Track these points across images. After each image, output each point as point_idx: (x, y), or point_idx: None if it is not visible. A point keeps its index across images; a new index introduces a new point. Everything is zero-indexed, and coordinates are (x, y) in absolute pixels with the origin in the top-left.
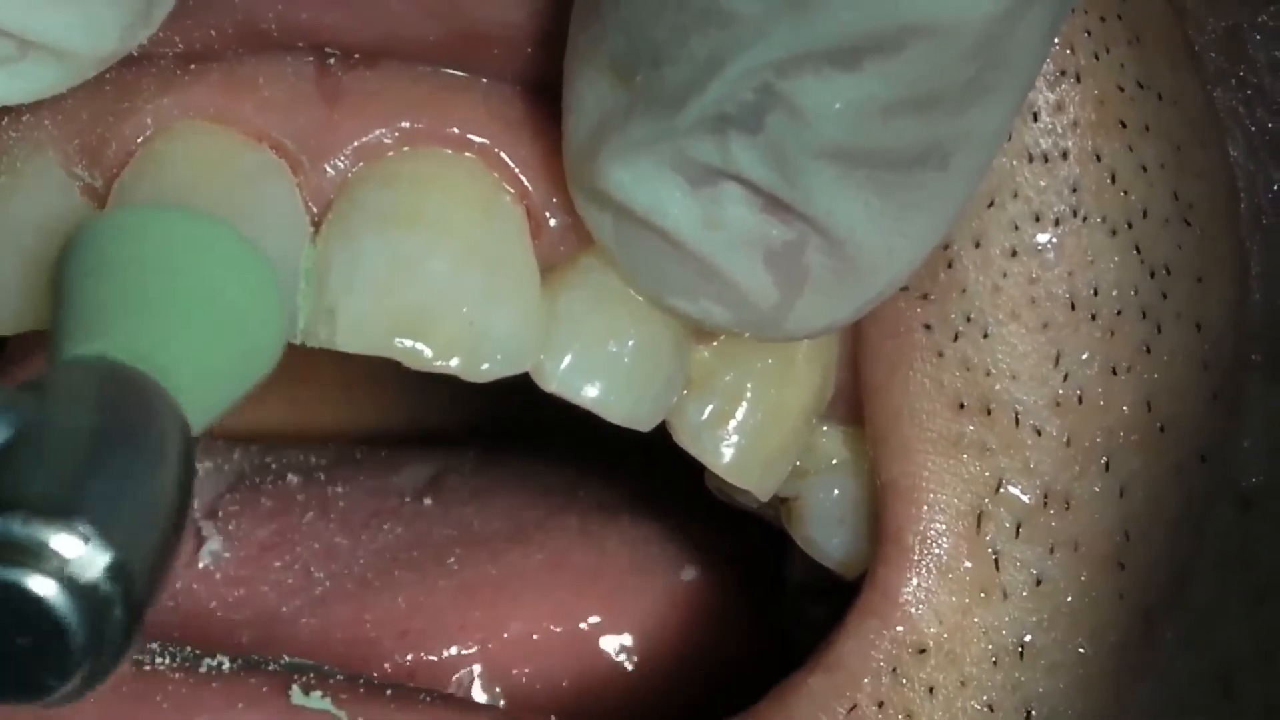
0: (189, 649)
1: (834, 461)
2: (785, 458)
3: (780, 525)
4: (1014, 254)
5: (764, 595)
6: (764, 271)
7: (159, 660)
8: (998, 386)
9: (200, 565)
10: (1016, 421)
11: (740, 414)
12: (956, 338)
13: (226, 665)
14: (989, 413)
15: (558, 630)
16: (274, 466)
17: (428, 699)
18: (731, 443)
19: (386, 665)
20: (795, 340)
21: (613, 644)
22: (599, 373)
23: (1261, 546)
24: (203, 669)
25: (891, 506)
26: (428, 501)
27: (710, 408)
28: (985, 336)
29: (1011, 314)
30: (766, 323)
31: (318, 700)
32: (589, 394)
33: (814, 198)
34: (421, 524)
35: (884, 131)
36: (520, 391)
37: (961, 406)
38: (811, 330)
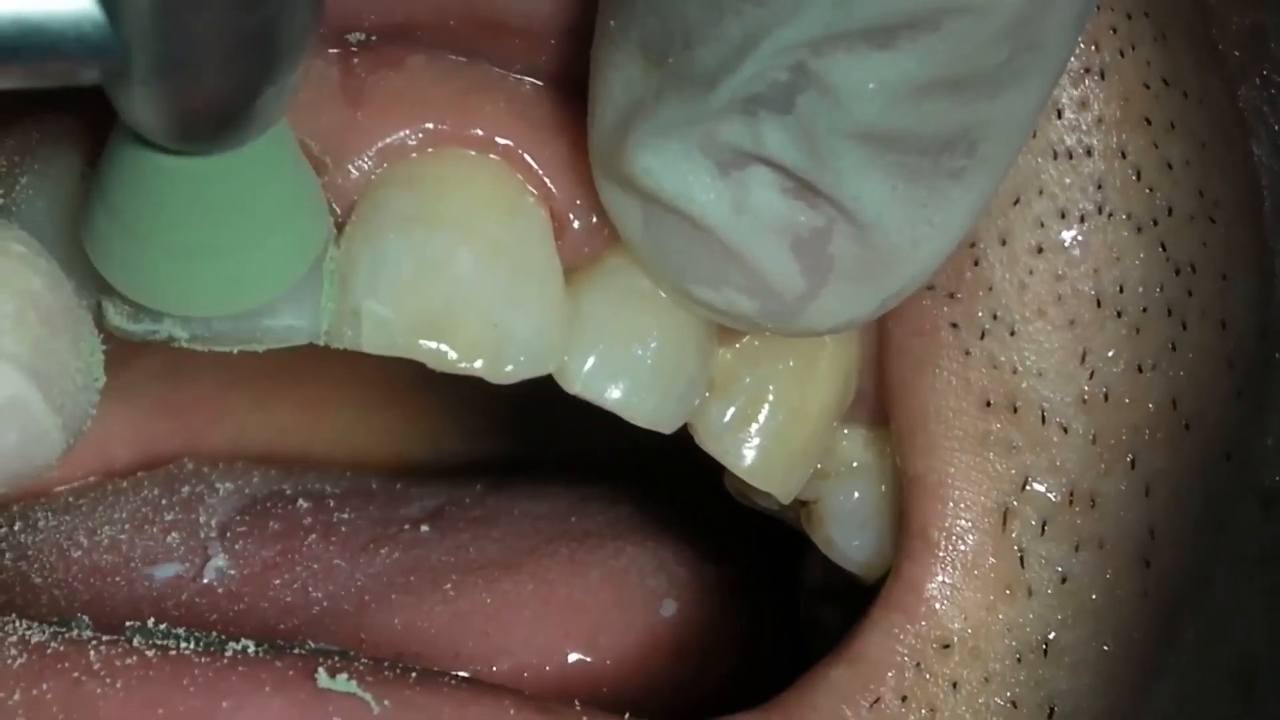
0: (214, 634)
1: (854, 464)
2: (807, 460)
3: (800, 528)
4: (1040, 251)
5: (747, 626)
6: (790, 259)
7: (184, 645)
8: (1024, 384)
9: (204, 581)
10: (1043, 419)
11: (762, 416)
12: (983, 335)
13: (252, 649)
14: (1015, 410)
15: (547, 669)
16: (288, 491)
17: (452, 682)
18: (753, 445)
19: None
20: (817, 335)
21: (596, 682)
22: (622, 374)
23: None
24: (228, 653)
25: (917, 502)
26: (425, 529)
27: (732, 410)
28: (1012, 334)
29: (1038, 311)
30: (789, 313)
31: (344, 683)
32: (612, 396)
33: (843, 181)
34: (420, 550)
35: (916, 114)
36: (533, 419)
37: (988, 404)
38: (834, 324)
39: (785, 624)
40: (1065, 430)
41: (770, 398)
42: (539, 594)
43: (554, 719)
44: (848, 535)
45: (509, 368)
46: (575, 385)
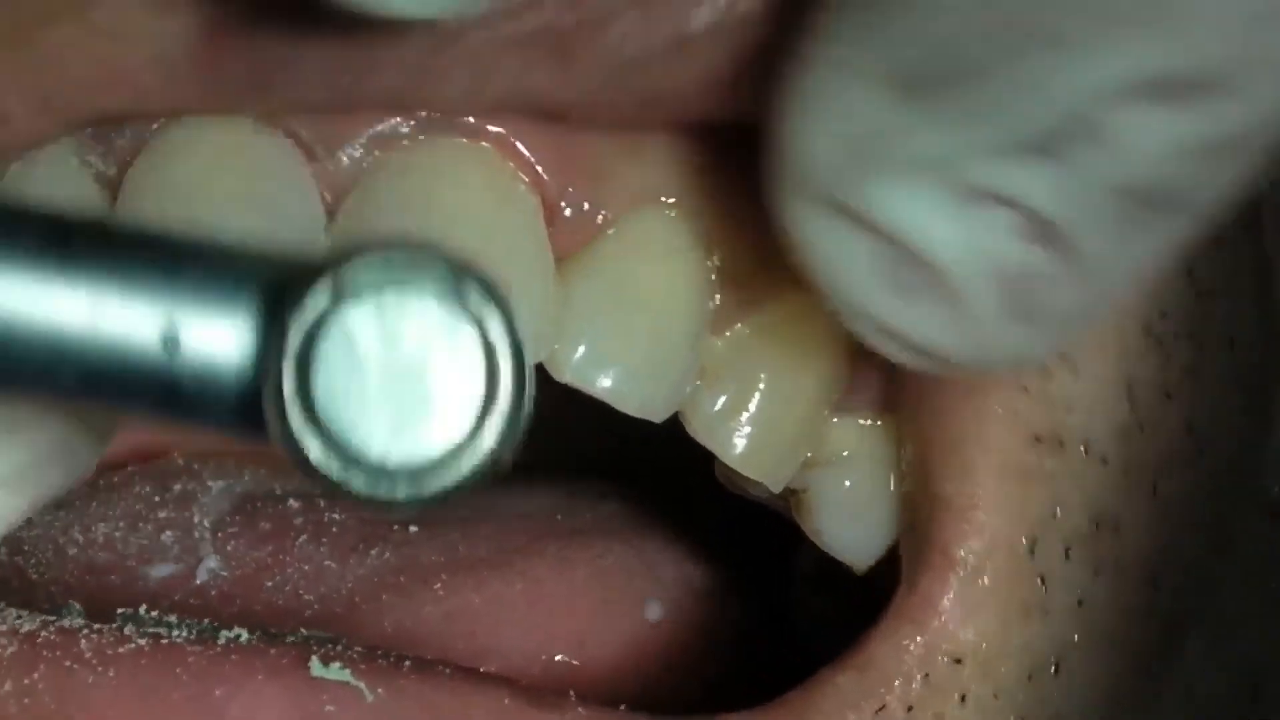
0: (207, 621)
1: (846, 454)
2: (797, 449)
3: (791, 517)
4: None
5: (734, 627)
6: (998, 298)
7: (176, 633)
8: (1075, 420)
9: (197, 581)
10: (1086, 452)
11: (753, 405)
12: (1049, 379)
13: (245, 638)
14: (1062, 444)
15: (534, 670)
16: (278, 490)
17: (447, 671)
18: (744, 434)
19: None
20: (983, 373)
21: (583, 683)
22: (613, 363)
23: None
24: (221, 641)
25: (942, 521)
26: (414, 529)
27: (724, 399)
28: (1075, 372)
29: (1100, 346)
30: (976, 349)
31: (337, 671)
32: (603, 384)
33: (1096, 233)
34: (409, 549)
35: (1192, 173)
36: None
37: (1037, 439)
38: (1010, 364)
39: (773, 626)
40: (1105, 462)
41: (761, 386)
42: (527, 594)
43: (547, 709)
44: (838, 524)
45: None
46: (566, 374)
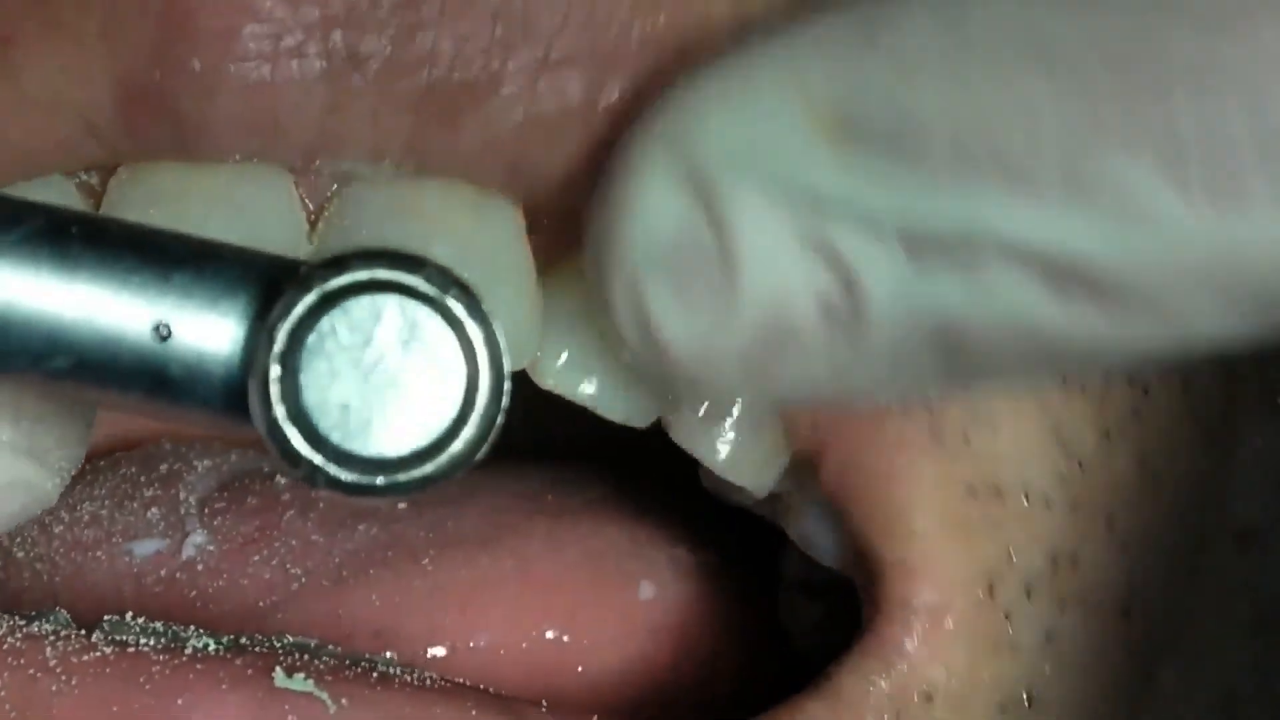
0: (175, 629)
1: None
2: (780, 454)
3: (775, 521)
4: None
5: (725, 610)
6: (759, 329)
7: (143, 642)
8: (1008, 471)
9: (184, 557)
10: (1026, 499)
11: (735, 411)
12: (968, 440)
13: (212, 647)
14: (999, 494)
15: (524, 646)
16: (266, 469)
17: (412, 682)
18: (727, 440)
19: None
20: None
21: (572, 661)
22: (595, 370)
23: (1260, 578)
24: (188, 650)
25: (896, 581)
26: (402, 505)
27: (706, 405)
28: (994, 430)
29: (1012, 403)
30: (695, 348)
31: (300, 682)
32: (585, 391)
33: (889, 348)
34: (397, 525)
35: (1021, 357)
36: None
37: (972, 492)
38: (706, 382)
39: (764, 610)
40: (1048, 505)
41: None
42: (517, 571)
43: (514, 717)
44: (823, 530)
45: None
46: (548, 381)
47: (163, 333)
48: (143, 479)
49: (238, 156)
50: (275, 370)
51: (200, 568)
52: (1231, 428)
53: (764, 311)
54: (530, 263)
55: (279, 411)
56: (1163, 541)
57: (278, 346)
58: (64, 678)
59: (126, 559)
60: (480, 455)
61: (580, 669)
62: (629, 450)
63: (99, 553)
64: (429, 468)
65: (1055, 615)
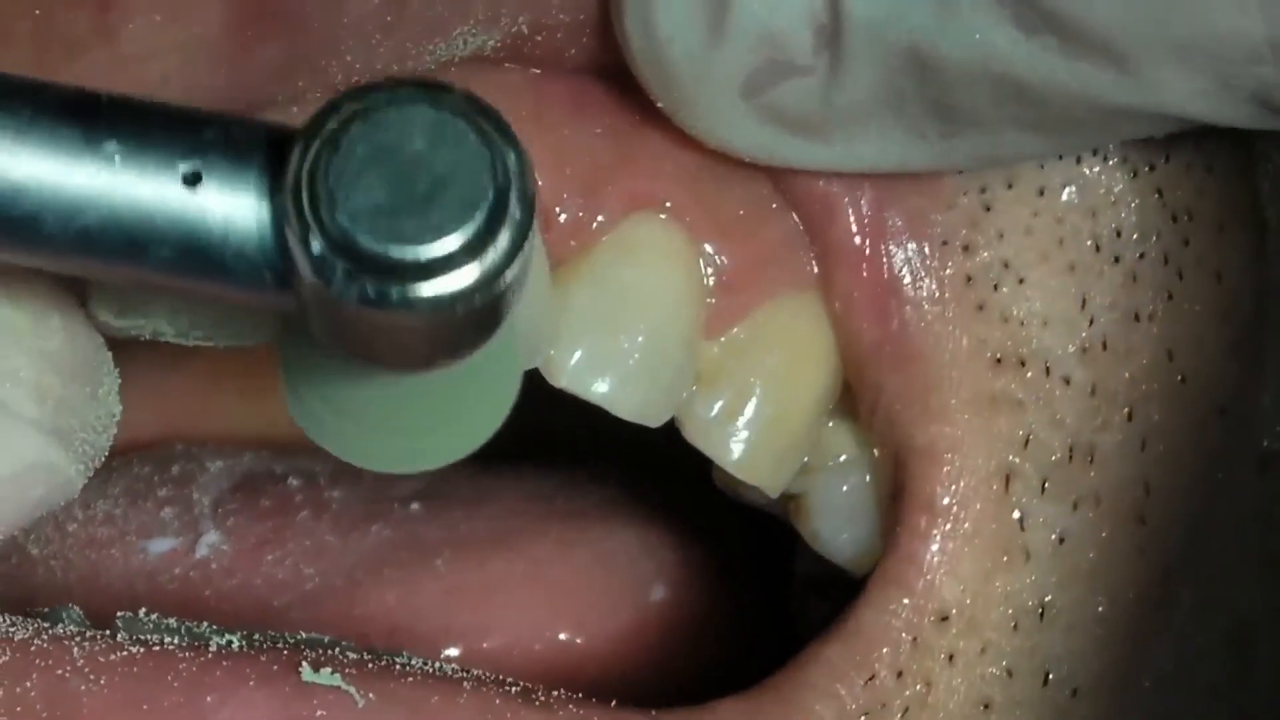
0: (190, 625)
1: (843, 458)
2: (794, 454)
3: (787, 521)
4: (1041, 193)
5: (735, 611)
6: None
7: (168, 640)
8: (1032, 336)
9: (198, 556)
10: (1047, 372)
11: (749, 410)
12: (996, 287)
13: (236, 644)
14: (1023, 364)
15: (536, 647)
16: (278, 471)
17: (436, 674)
18: (741, 439)
19: None
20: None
21: (584, 663)
22: (609, 368)
23: (1276, 508)
24: (212, 648)
25: (923, 474)
26: (415, 507)
27: (719, 404)
28: (1021, 282)
29: (1042, 255)
30: (684, 62)
31: (328, 676)
32: (599, 390)
33: (866, 80)
34: (411, 526)
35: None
36: (520, 402)
37: (998, 361)
38: (703, 100)
39: (773, 610)
40: (1067, 382)
41: (758, 391)
42: (529, 573)
43: (540, 710)
44: (835, 529)
45: None
46: (562, 379)
47: (191, 180)
48: (156, 479)
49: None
50: (306, 178)
51: (214, 566)
52: (1259, 342)
53: (758, 18)
54: (545, 259)
55: (310, 218)
56: (1183, 447)
57: (310, 156)
58: (92, 677)
59: (141, 556)
60: (509, 274)
61: (592, 670)
62: (639, 450)
63: (113, 550)
64: (461, 278)
65: (1068, 514)
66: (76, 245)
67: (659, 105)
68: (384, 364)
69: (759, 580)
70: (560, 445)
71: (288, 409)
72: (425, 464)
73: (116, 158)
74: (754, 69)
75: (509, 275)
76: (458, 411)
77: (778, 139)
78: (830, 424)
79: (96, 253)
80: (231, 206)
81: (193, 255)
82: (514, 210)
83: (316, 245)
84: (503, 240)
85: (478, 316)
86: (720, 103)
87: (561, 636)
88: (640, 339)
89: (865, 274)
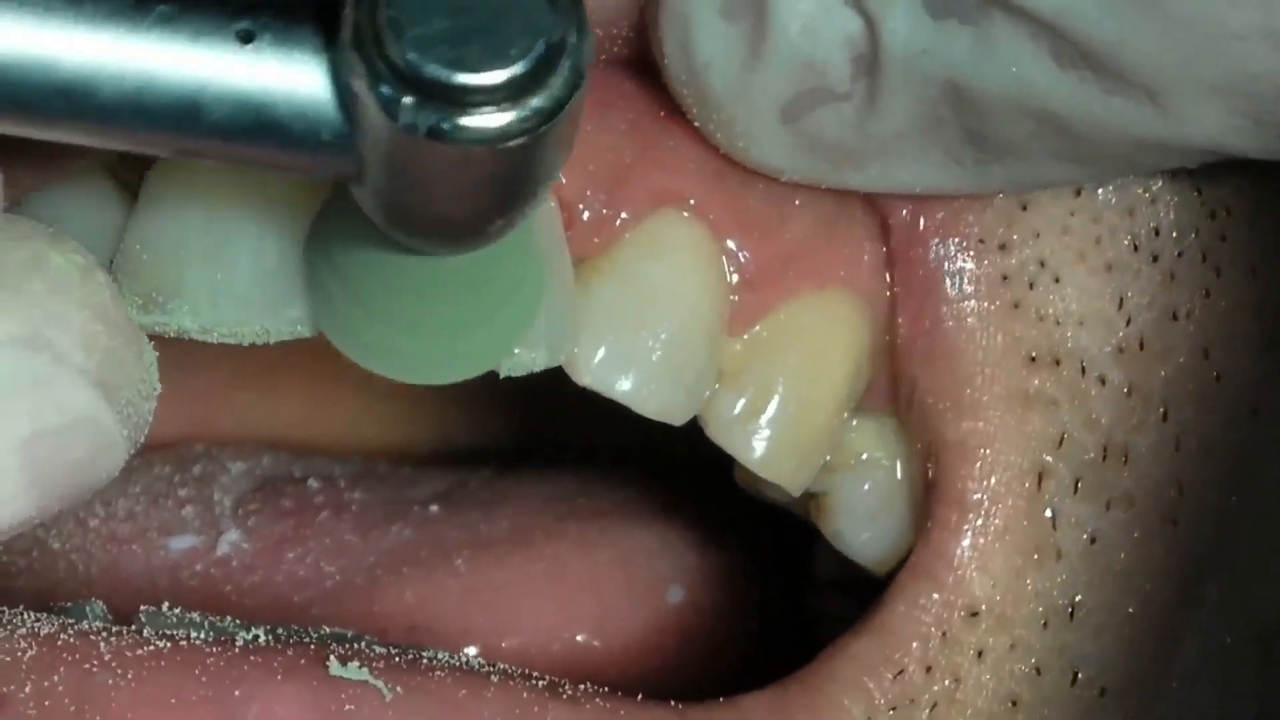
0: (228, 619)
1: (865, 456)
2: (817, 452)
3: (809, 520)
4: (1078, 192)
5: (754, 612)
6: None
7: (195, 635)
8: (1068, 335)
9: (219, 553)
10: (1083, 371)
11: (772, 408)
12: (1032, 286)
13: (262, 639)
14: (1058, 363)
15: (555, 646)
16: (298, 473)
17: (462, 668)
18: (763, 437)
19: None
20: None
21: (603, 664)
22: (632, 366)
23: None
24: (239, 643)
25: (955, 468)
26: (435, 508)
27: (742, 402)
28: (1057, 281)
29: (1079, 255)
30: (730, 83)
31: (355, 670)
32: (622, 387)
33: (904, 111)
34: (430, 527)
35: (1020, 133)
36: (539, 405)
37: (1033, 360)
38: (742, 124)
39: (792, 611)
40: (1103, 382)
41: (780, 389)
42: (549, 573)
43: (566, 703)
44: (857, 528)
45: (520, 360)
46: (585, 377)
47: (245, 38)
48: (176, 479)
49: None
50: (366, 14)
51: (235, 564)
52: None
53: (796, 47)
54: (568, 258)
55: (375, 52)
56: (1216, 447)
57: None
58: (119, 671)
59: (162, 553)
60: (563, 113)
61: (610, 669)
62: (658, 452)
63: (135, 546)
64: (526, 107)
65: (1100, 515)
66: (130, 110)
67: (695, 125)
68: (430, 239)
69: (777, 581)
70: (579, 447)
71: (317, 322)
72: (453, 372)
73: (169, 18)
74: (792, 95)
75: (571, 106)
76: (486, 314)
77: (814, 162)
78: (853, 422)
79: (150, 117)
80: (287, 62)
81: (248, 115)
82: (573, 38)
83: (382, 79)
84: (564, 69)
85: (531, 167)
86: (758, 127)
87: (580, 637)
88: (663, 336)
89: (902, 270)
